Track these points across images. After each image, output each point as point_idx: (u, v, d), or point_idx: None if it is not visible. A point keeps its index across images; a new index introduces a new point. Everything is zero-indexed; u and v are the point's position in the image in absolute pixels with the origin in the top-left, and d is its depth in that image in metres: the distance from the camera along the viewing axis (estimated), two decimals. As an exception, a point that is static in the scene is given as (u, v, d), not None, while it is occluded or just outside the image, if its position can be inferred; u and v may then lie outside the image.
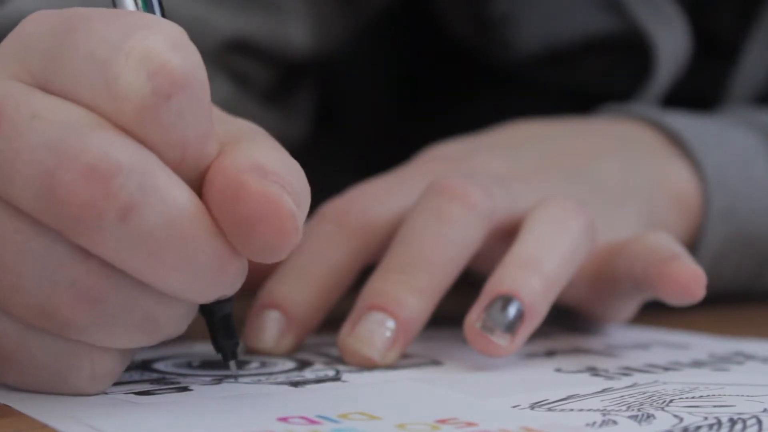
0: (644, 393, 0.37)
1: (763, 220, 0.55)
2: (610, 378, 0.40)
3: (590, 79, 0.69)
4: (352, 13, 0.66)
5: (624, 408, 0.35)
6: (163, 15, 0.35)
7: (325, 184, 0.45)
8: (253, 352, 0.42)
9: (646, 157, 0.54)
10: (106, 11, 0.32)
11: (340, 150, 0.80)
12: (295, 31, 0.62)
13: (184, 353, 0.41)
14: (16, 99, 0.31)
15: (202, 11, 0.58)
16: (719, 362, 0.43)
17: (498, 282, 0.41)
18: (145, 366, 0.39)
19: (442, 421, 0.33)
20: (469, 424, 0.33)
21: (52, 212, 0.30)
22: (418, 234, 0.42)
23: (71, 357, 0.33)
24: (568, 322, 0.50)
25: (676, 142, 0.55)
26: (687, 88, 0.63)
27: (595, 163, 0.52)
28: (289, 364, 0.41)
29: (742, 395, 0.37)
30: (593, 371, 0.41)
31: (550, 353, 0.44)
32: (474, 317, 0.40)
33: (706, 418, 0.34)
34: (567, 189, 0.49)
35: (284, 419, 0.33)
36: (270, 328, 0.42)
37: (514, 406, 0.35)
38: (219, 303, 0.35)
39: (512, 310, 0.40)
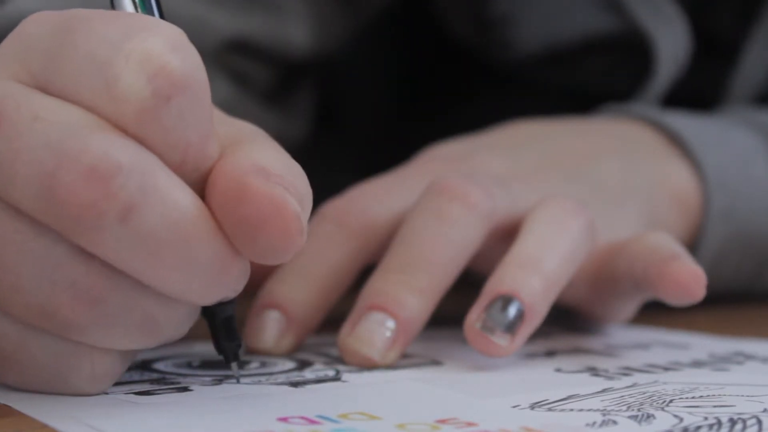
0: (644, 393, 0.37)
1: (763, 220, 0.55)
2: (610, 378, 0.40)
3: (590, 79, 0.69)
4: (352, 13, 0.66)
5: (624, 408, 0.35)
6: (162, 16, 0.35)
7: (325, 184, 0.45)
8: (253, 352, 0.42)
9: (646, 157, 0.54)
10: (106, 12, 0.32)
11: (340, 150, 0.80)
12: (295, 31, 0.62)
13: (184, 353, 0.41)
14: (17, 100, 0.31)
15: (201, 11, 0.58)
16: (719, 362, 0.43)
17: (498, 282, 0.41)
18: (145, 366, 0.39)
19: (442, 421, 0.33)
20: (469, 424, 0.33)
21: (52, 213, 0.30)
22: (418, 234, 0.42)
23: (71, 357, 0.33)
24: (568, 322, 0.50)
25: (676, 142, 0.55)
26: (687, 88, 0.63)
27: (595, 163, 0.52)
28: (289, 364, 0.41)
29: (742, 395, 0.37)
30: (593, 371, 0.41)
31: (550, 353, 0.44)
32: (474, 317, 0.40)
33: (706, 418, 0.34)
34: (567, 189, 0.49)
35: (284, 419, 0.33)
36: (270, 328, 0.42)
37: (514, 406, 0.35)
38: (221, 305, 0.35)
39: (512, 310, 0.40)
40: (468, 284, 0.44)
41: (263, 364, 0.40)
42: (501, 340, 0.40)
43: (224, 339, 0.36)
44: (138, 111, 0.31)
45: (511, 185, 0.46)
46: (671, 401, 0.36)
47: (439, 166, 0.48)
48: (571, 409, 0.35)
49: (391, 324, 0.41)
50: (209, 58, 0.57)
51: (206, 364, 0.39)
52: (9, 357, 0.33)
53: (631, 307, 0.48)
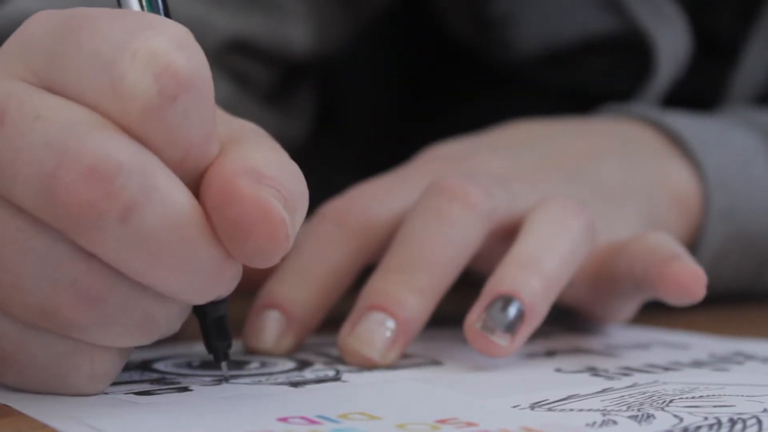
0: (644, 393, 0.37)
1: (763, 220, 0.55)
2: (610, 378, 0.40)
3: (590, 79, 0.69)
4: (353, 13, 0.66)
5: (624, 408, 0.35)
6: (168, 15, 0.35)
7: (325, 184, 0.45)
8: (253, 352, 0.42)
9: (646, 157, 0.54)
10: (110, 11, 0.32)
11: (340, 150, 0.80)
12: (295, 32, 0.62)
13: (184, 353, 0.41)
14: (19, 98, 0.31)
15: (202, 12, 0.58)
16: (719, 362, 0.43)
17: (498, 282, 0.41)
18: (145, 366, 0.39)
19: (442, 421, 0.33)
20: (469, 424, 0.33)
21: (52, 212, 0.30)
22: (418, 234, 0.42)
23: (71, 357, 0.33)
24: (568, 322, 0.50)
25: (676, 142, 0.55)
26: (687, 88, 0.63)
27: (595, 163, 0.52)
28: (289, 364, 0.41)
29: (742, 395, 0.37)
30: (593, 371, 0.41)
31: (550, 353, 0.44)
32: (474, 317, 0.40)
33: (706, 418, 0.34)
34: (567, 189, 0.49)
35: (284, 419, 0.33)
36: (270, 328, 0.42)
37: (514, 406, 0.35)
38: (213, 304, 0.35)
39: (512, 310, 0.40)
40: (468, 284, 0.44)
41: (263, 364, 0.40)
42: (501, 340, 0.40)
43: (215, 338, 0.36)
44: (143, 109, 0.31)
45: (511, 185, 0.46)
46: (671, 401, 0.36)
47: (439, 166, 0.48)
48: (571, 409, 0.35)
49: (391, 324, 0.41)
50: (210, 58, 0.56)
51: (206, 364, 0.39)
52: (8, 357, 0.33)
53: (631, 307, 0.48)
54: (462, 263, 0.42)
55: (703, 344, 0.47)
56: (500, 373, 0.40)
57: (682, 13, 0.62)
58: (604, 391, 0.38)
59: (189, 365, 0.39)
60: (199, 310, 0.36)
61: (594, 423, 0.34)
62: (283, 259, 0.33)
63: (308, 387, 0.37)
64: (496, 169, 0.49)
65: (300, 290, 0.43)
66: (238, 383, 0.37)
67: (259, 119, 0.44)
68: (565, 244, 0.43)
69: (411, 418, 0.34)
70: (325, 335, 0.44)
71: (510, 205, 0.45)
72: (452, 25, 0.71)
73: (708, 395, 0.37)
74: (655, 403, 0.36)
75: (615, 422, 0.34)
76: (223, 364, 0.37)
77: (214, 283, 0.33)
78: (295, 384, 0.38)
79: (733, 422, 0.34)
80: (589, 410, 0.35)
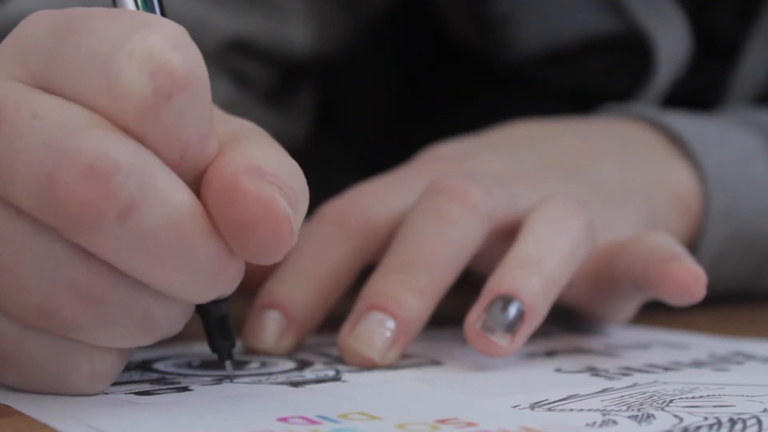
0: (644, 393, 0.37)
1: (763, 220, 0.55)
2: (610, 378, 0.40)
3: (590, 79, 0.69)
4: (353, 13, 0.66)
5: (624, 408, 0.35)
6: (163, 14, 0.35)
7: (325, 184, 0.45)
8: (253, 352, 0.42)
9: (646, 157, 0.54)
10: (106, 11, 0.32)
11: (340, 150, 0.80)
12: (295, 32, 0.62)
13: (184, 353, 0.41)
14: (16, 99, 0.31)
15: (202, 11, 0.58)
16: (719, 362, 0.43)
17: (498, 282, 0.41)
18: (145, 366, 0.39)
19: (442, 421, 0.33)
20: (469, 424, 0.33)
21: (51, 212, 0.30)
22: (418, 234, 0.42)
23: (70, 357, 0.33)
24: (568, 322, 0.50)
25: (676, 142, 0.55)
26: (687, 88, 0.63)
27: (595, 163, 0.52)
28: (289, 364, 0.41)
29: (742, 395, 0.37)
30: (593, 371, 0.41)
31: (550, 353, 0.44)
32: (474, 317, 0.40)
33: (706, 418, 0.34)
34: (567, 189, 0.49)
35: (284, 419, 0.33)
36: (270, 328, 0.42)
37: (514, 406, 0.35)
38: (215, 303, 0.35)
39: (512, 310, 0.40)
40: (468, 284, 0.44)
41: (263, 364, 0.40)
42: (501, 340, 0.40)
43: (218, 337, 0.36)
44: (139, 108, 0.31)
45: (511, 185, 0.46)
46: (671, 401, 0.36)
47: (439, 166, 0.48)
48: (571, 409, 0.35)
49: (391, 324, 0.41)
50: (209, 58, 0.56)
51: (206, 364, 0.39)
52: (8, 357, 0.33)
53: (631, 307, 0.48)
54: (462, 263, 0.42)
55: (703, 344, 0.47)
56: (500, 373, 0.40)
57: (682, 13, 0.62)
58: (604, 391, 0.38)
59: (189, 365, 0.39)
60: (201, 310, 0.36)
61: (594, 423, 0.34)
62: (283, 259, 0.33)
63: (308, 387, 0.37)
64: (496, 169, 0.49)
65: (300, 290, 0.43)
66: (238, 383, 0.37)
67: (259, 119, 0.44)
68: (565, 244, 0.43)
69: (411, 418, 0.34)
70: (325, 335, 0.44)
71: (510, 205, 0.45)
72: (452, 25, 0.71)
73: (708, 395, 0.37)
74: (655, 403, 0.36)
75: (615, 422, 0.34)
76: (227, 364, 0.37)
77: (216, 281, 0.33)
78: (295, 384, 0.38)
79: (733, 422, 0.34)
80: (589, 410, 0.35)
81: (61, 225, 0.31)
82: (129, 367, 0.38)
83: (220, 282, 0.33)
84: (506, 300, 0.40)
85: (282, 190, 0.32)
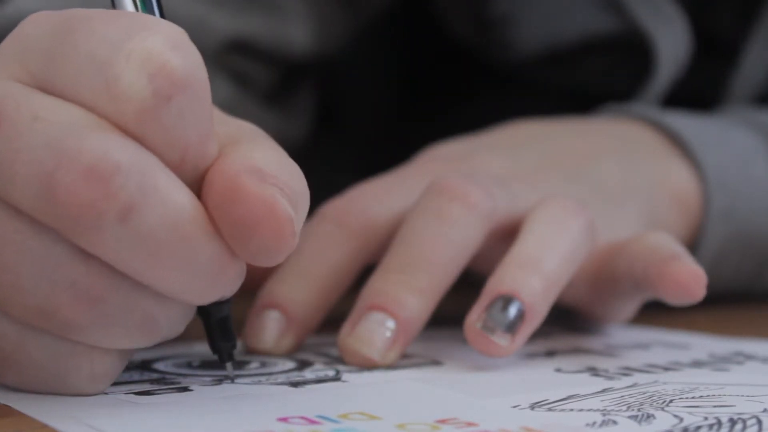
0: (644, 393, 0.37)
1: (763, 220, 0.55)
2: (610, 378, 0.40)
3: (590, 79, 0.69)
4: (353, 13, 0.66)
5: (624, 408, 0.35)
6: (162, 16, 0.35)
7: (325, 184, 0.45)
8: (253, 352, 0.42)
9: (646, 157, 0.54)
10: (106, 12, 0.32)
11: (340, 150, 0.80)
12: (295, 32, 0.62)
13: (184, 353, 0.41)
14: (16, 100, 0.31)
15: (202, 12, 0.58)
16: (719, 362, 0.43)
17: (498, 282, 0.41)
18: (145, 366, 0.39)
19: (442, 421, 0.33)
20: (469, 424, 0.33)
21: (51, 212, 0.30)
22: (418, 234, 0.42)
23: (70, 357, 0.33)
24: (568, 322, 0.50)
25: (676, 142, 0.55)
26: (687, 88, 0.63)
27: (595, 163, 0.52)
28: (289, 364, 0.41)
29: (742, 395, 0.37)
30: (593, 371, 0.41)
31: (550, 353, 0.44)
32: (474, 317, 0.40)
33: (706, 418, 0.34)
34: (567, 189, 0.49)
35: (284, 419, 0.33)
36: (270, 328, 0.42)
37: (514, 406, 0.35)
38: (216, 305, 0.35)
39: (513, 310, 0.40)
40: (468, 284, 0.44)
41: (263, 364, 0.40)
42: (501, 340, 0.40)
43: (219, 339, 0.36)
44: (138, 110, 0.31)
45: (511, 185, 0.46)
46: (671, 401, 0.36)
47: (439, 166, 0.48)
48: (571, 409, 0.35)
49: (391, 324, 0.41)
50: (209, 58, 0.57)
51: (206, 364, 0.39)
52: (8, 357, 0.33)
53: (631, 307, 0.48)
54: (462, 263, 0.42)
55: (703, 344, 0.47)
56: (500, 373, 0.40)
57: (682, 13, 0.62)
58: (604, 391, 0.38)
59: (189, 365, 0.39)
60: (203, 311, 0.36)
61: (594, 423, 0.34)
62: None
63: (308, 387, 0.37)
64: (496, 169, 0.49)
65: (300, 290, 0.43)
66: (238, 383, 0.37)
67: (259, 119, 0.44)
68: (565, 244, 0.43)
69: (411, 418, 0.34)
70: (325, 335, 0.44)
71: (510, 205, 0.45)
72: (452, 25, 0.71)
73: (708, 395, 0.37)
74: (655, 403, 0.36)
75: (615, 422, 0.34)
76: (228, 365, 0.37)
77: (216, 282, 0.33)
78: (295, 384, 0.38)
79: (733, 422, 0.34)
80: (589, 410, 0.35)
81: (61, 225, 0.31)
82: (129, 367, 0.38)
83: (220, 283, 0.33)
84: (506, 300, 0.40)
85: (283, 192, 0.32)
